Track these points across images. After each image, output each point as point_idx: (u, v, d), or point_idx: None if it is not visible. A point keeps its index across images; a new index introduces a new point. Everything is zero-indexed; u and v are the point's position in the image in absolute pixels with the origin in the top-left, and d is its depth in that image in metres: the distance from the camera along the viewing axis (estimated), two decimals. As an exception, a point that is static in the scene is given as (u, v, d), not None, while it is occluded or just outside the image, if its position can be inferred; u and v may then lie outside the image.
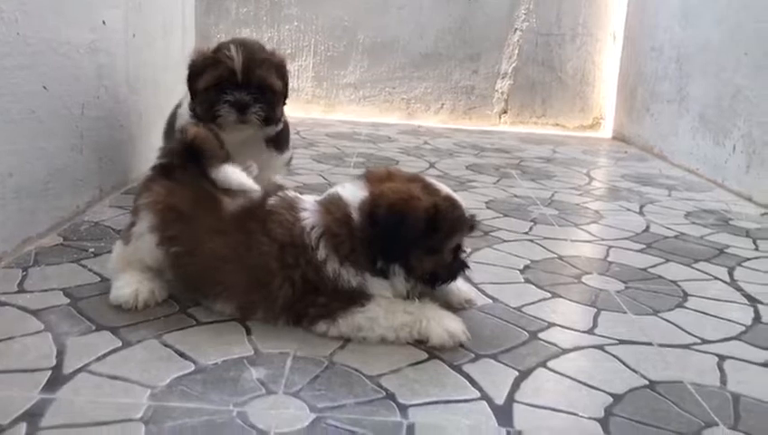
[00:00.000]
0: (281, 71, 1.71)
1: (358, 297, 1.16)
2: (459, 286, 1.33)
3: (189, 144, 1.25)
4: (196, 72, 1.67)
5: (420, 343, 1.16)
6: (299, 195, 1.25)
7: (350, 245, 1.15)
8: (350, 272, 1.15)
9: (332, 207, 1.18)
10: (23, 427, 0.87)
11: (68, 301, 1.26)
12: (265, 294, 1.17)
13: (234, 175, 1.26)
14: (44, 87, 1.57)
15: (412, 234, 1.14)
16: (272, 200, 1.21)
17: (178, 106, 1.83)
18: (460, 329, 1.17)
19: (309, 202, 1.21)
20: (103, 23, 1.88)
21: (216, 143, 1.28)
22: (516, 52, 4.10)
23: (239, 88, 1.63)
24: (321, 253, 1.14)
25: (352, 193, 1.19)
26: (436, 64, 4.09)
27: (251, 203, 1.21)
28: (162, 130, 1.97)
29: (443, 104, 4.14)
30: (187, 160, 1.25)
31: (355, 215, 1.16)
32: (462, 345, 1.17)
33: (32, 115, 1.52)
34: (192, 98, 1.71)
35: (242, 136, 1.68)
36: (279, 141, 1.82)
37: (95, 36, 1.83)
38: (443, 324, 1.16)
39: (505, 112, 4.16)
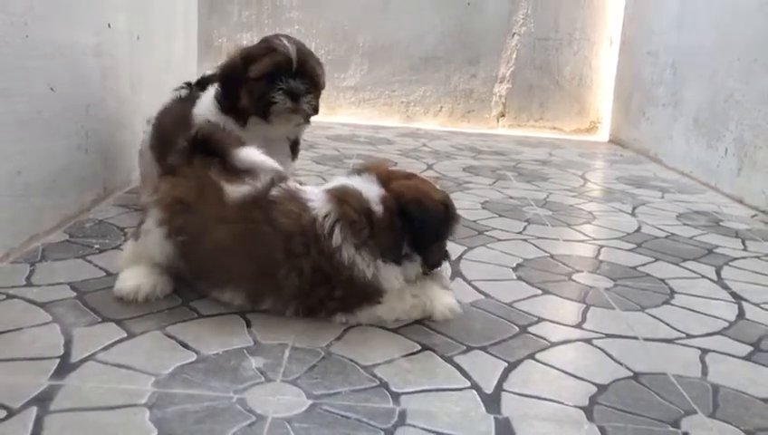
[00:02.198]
0: (322, 68, 1.73)
1: (373, 293, 1.22)
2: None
3: (204, 138, 1.31)
4: (249, 60, 1.63)
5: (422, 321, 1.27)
6: (300, 185, 1.29)
7: (368, 232, 1.20)
8: (364, 258, 1.20)
9: (347, 196, 1.22)
10: (33, 410, 0.92)
11: (74, 294, 1.30)
12: (272, 283, 1.21)
13: (254, 155, 1.32)
14: (51, 88, 1.61)
15: (440, 227, 1.27)
16: (274, 191, 1.24)
17: (189, 102, 1.79)
18: (455, 302, 1.31)
19: (314, 192, 1.25)
20: (108, 26, 1.93)
21: (226, 133, 1.36)
22: (514, 56, 4.15)
23: (293, 76, 1.62)
24: (336, 239, 1.18)
25: (366, 187, 1.24)
26: (436, 68, 4.15)
27: (254, 192, 1.24)
28: (152, 135, 1.87)
29: (441, 107, 4.19)
30: (200, 154, 1.30)
31: (376, 207, 1.21)
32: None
33: (39, 115, 1.57)
34: (231, 90, 1.65)
35: (282, 131, 1.69)
36: (295, 149, 1.81)
37: (100, 39, 1.87)
38: (443, 302, 1.29)
39: (503, 116, 4.21)
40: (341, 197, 1.22)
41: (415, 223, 1.22)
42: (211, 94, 1.71)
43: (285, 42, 1.63)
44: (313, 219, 1.20)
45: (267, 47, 1.64)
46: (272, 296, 1.23)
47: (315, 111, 1.68)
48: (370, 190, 1.24)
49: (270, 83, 1.61)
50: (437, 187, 1.31)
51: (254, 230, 1.21)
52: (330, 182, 1.31)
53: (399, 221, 1.22)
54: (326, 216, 1.20)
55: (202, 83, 1.88)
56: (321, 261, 1.19)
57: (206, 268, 1.27)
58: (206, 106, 1.70)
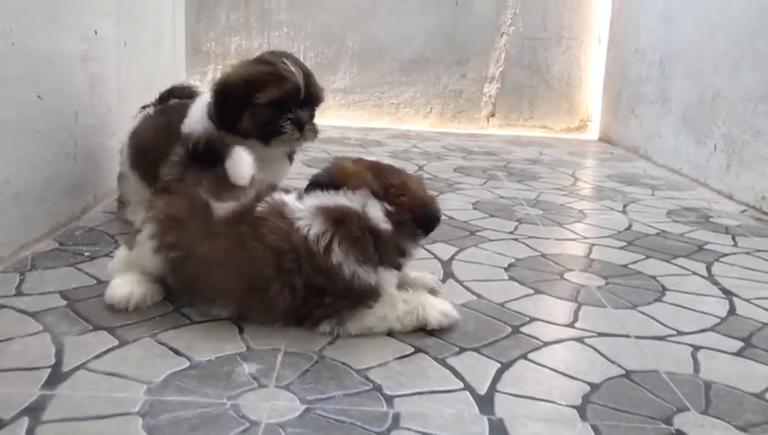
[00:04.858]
0: (323, 90, 1.69)
1: (366, 297, 1.21)
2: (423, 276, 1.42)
3: (207, 145, 1.31)
4: (254, 85, 1.57)
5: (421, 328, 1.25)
6: (285, 197, 1.26)
7: (373, 247, 1.20)
8: (366, 270, 1.19)
9: (345, 217, 1.20)
10: (25, 421, 0.91)
11: (65, 303, 1.30)
12: (263, 299, 1.20)
13: (242, 164, 1.29)
14: (39, 96, 1.61)
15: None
16: (260, 206, 1.23)
17: (169, 115, 1.74)
18: (451, 308, 1.28)
19: (300, 208, 1.22)
20: (95, 32, 1.92)
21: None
22: (503, 56, 4.16)
23: (299, 104, 1.60)
24: (337, 256, 1.17)
25: (362, 203, 1.22)
26: (425, 69, 4.15)
27: (240, 208, 1.23)
28: (131, 155, 1.79)
29: (432, 108, 4.19)
30: (194, 166, 1.30)
31: (384, 225, 1.21)
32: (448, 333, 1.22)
33: (27, 124, 1.56)
34: (232, 112, 1.58)
35: (280, 152, 1.68)
36: (291, 155, 1.80)
37: (87, 46, 1.87)
38: (436, 307, 1.26)
39: (493, 116, 4.21)
40: (339, 217, 1.20)
41: (430, 228, 1.28)
42: (200, 109, 1.65)
43: (291, 66, 1.58)
44: (304, 238, 1.18)
45: (274, 72, 1.58)
46: (262, 312, 1.22)
47: (317, 134, 1.66)
48: (370, 207, 1.22)
49: (277, 111, 1.58)
50: (405, 173, 1.34)
51: (242, 246, 1.20)
52: (318, 196, 1.25)
53: (417, 229, 1.25)
54: (320, 234, 1.18)
55: (166, 97, 1.85)
56: (315, 276, 1.18)
57: (195, 284, 1.26)
58: (197, 121, 1.64)
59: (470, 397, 1.04)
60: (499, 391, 1.06)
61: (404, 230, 1.24)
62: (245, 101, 1.57)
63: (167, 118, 1.72)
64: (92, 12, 1.91)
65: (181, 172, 1.32)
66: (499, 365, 1.15)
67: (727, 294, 1.55)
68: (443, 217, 1.35)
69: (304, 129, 1.60)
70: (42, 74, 1.62)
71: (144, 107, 1.87)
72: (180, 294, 1.31)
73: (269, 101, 1.57)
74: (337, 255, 1.18)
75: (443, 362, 1.14)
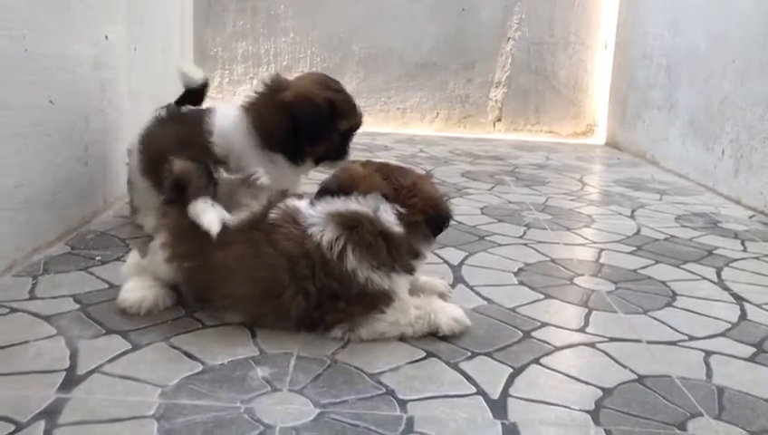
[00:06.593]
0: None
1: (379, 302, 1.21)
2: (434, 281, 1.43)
3: (177, 178, 1.28)
4: (340, 112, 1.67)
5: (432, 334, 1.25)
6: (297, 203, 1.26)
7: (386, 251, 1.20)
8: (380, 276, 1.20)
9: (358, 222, 1.20)
10: (41, 424, 0.92)
11: (78, 306, 1.30)
12: (277, 305, 1.20)
13: (204, 212, 1.23)
14: (51, 101, 1.62)
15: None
16: (273, 213, 1.23)
17: (182, 122, 1.73)
18: (462, 314, 1.27)
19: (312, 214, 1.22)
20: (106, 38, 1.93)
21: (199, 177, 1.29)
22: (509, 60, 4.16)
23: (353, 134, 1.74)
24: (351, 263, 1.18)
25: (374, 207, 1.22)
26: (431, 74, 4.16)
27: (253, 216, 1.23)
28: (143, 161, 1.76)
29: (438, 113, 4.20)
30: (177, 193, 1.28)
31: (396, 229, 1.21)
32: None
33: (39, 128, 1.57)
34: (315, 135, 1.66)
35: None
36: None
37: (98, 51, 1.88)
38: (448, 313, 1.26)
39: (500, 120, 4.22)
40: (352, 223, 1.20)
41: (442, 228, 1.29)
42: (230, 118, 1.66)
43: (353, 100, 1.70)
44: (317, 244, 1.18)
45: (350, 102, 1.69)
46: (275, 318, 1.22)
47: None
48: (382, 211, 1.22)
49: (345, 137, 1.70)
50: (415, 169, 1.34)
51: (256, 252, 1.20)
52: (330, 202, 1.24)
53: (429, 229, 1.26)
54: (333, 240, 1.18)
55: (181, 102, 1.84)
56: (329, 282, 1.18)
57: (209, 292, 1.25)
58: (230, 130, 1.65)
59: (483, 401, 1.04)
60: (512, 396, 1.06)
61: (416, 232, 1.24)
62: (328, 126, 1.66)
63: (183, 125, 1.73)
64: (103, 18, 1.92)
65: (175, 198, 1.29)
66: (511, 370, 1.15)
67: (738, 299, 1.55)
68: (452, 222, 1.34)
69: None
70: (53, 79, 1.63)
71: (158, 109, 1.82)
72: (193, 303, 1.31)
73: (346, 129, 1.70)
74: (351, 261, 1.18)
75: (455, 367, 1.15)
